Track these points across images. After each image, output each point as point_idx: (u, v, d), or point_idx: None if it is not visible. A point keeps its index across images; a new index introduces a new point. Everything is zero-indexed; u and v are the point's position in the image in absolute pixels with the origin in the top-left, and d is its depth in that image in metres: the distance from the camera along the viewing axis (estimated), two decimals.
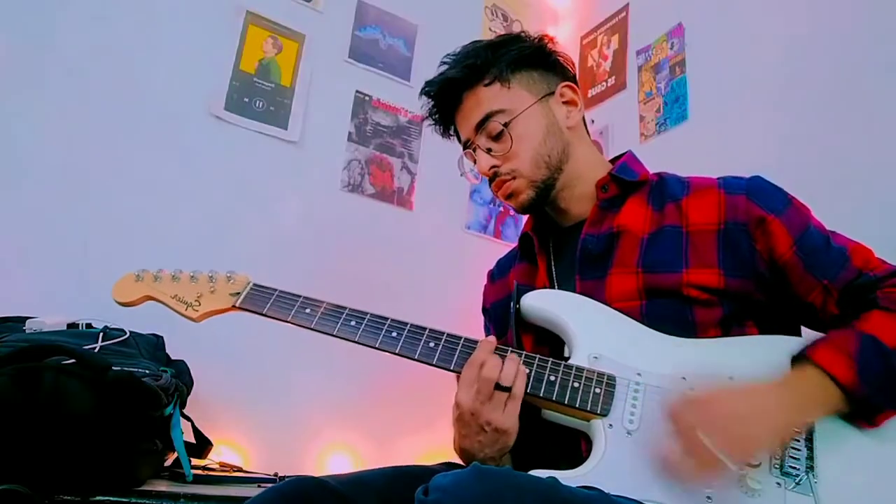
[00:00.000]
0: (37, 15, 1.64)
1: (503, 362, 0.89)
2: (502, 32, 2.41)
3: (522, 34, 1.12)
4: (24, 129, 1.58)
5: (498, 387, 0.87)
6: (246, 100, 1.88)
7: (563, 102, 1.09)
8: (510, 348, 0.92)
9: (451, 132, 1.17)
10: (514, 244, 1.23)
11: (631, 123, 2.07)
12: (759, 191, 0.97)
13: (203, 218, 1.74)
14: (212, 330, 1.56)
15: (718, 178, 1.01)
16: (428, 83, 1.12)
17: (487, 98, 1.05)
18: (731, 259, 0.94)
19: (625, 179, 1.05)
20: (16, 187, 1.54)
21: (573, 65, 1.16)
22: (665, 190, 1.04)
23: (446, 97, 1.10)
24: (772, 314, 0.97)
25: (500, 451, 0.89)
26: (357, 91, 2.08)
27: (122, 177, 1.67)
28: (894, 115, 1.40)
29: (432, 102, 1.13)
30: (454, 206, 2.19)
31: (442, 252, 2.10)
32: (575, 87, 1.11)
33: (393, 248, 2.02)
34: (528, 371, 0.90)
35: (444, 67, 1.10)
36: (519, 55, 1.08)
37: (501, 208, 2.27)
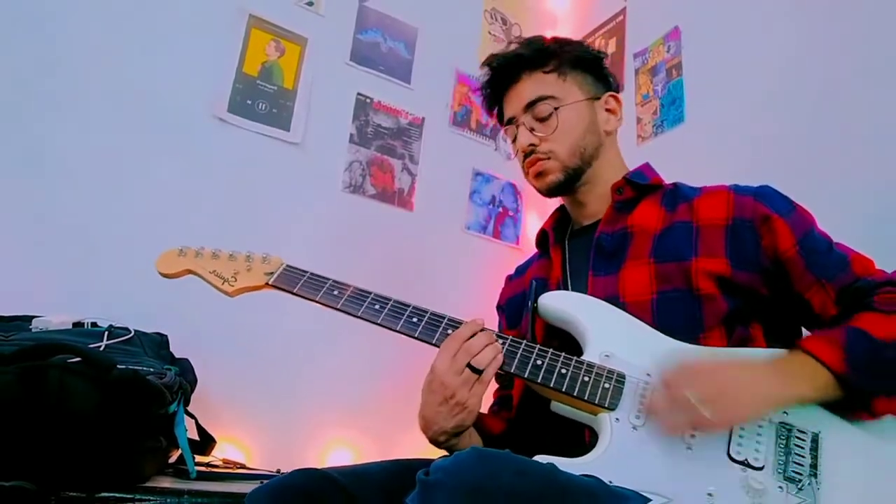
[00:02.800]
0: (44, 19, 1.64)
1: (484, 346, 0.91)
2: (501, 36, 2.43)
3: (585, 43, 1.21)
4: (30, 131, 1.58)
5: (470, 367, 0.90)
6: (249, 102, 1.88)
7: (606, 109, 1.15)
8: (509, 337, 0.95)
9: (494, 111, 1.21)
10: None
11: (628, 125, 2.06)
12: (766, 195, 1.01)
13: (206, 218, 1.74)
14: (216, 329, 1.57)
15: (730, 185, 1.05)
16: (494, 55, 1.17)
17: (544, 82, 1.11)
18: (738, 252, 0.96)
19: (638, 182, 1.10)
20: (23, 189, 1.55)
21: (620, 85, 1.25)
22: (678, 193, 1.08)
23: (506, 72, 1.15)
24: (776, 313, 0.98)
25: (456, 428, 0.92)
26: (358, 93, 2.08)
27: (128, 177, 1.67)
28: (889, 118, 1.40)
29: (490, 74, 1.17)
30: (454, 207, 2.19)
31: (442, 252, 2.10)
32: (619, 99, 1.17)
33: (394, 248, 2.02)
34: (512, 364, 0.92)
35: (513, 47, 1.16)
36: (580, 56, 1.15)
37: (501, 209, 2.27)
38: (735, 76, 1.77)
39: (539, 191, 1.14)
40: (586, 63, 1.15)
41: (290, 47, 1.98)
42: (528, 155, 1.11)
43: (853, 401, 0.84)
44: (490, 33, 2.42)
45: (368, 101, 2.09)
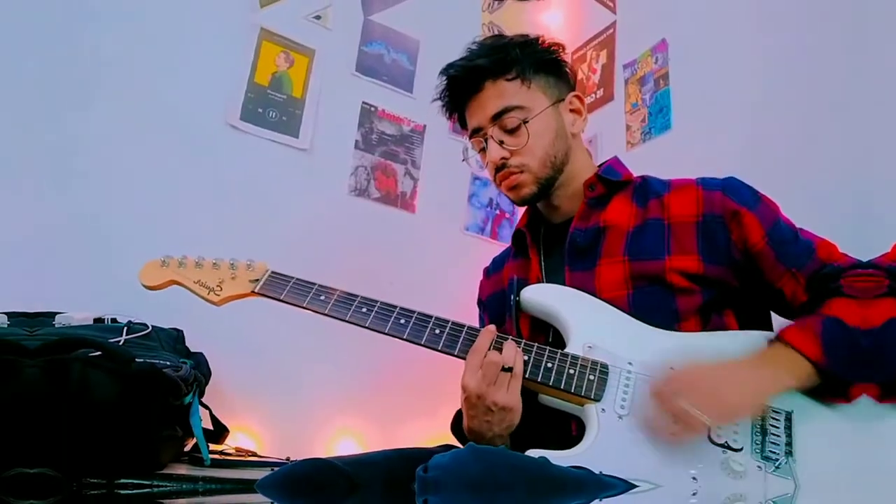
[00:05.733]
0: (69, 33, 1.64)
1: (502, 347, 0.90)
2: None
3: (540, 38, 1.12)
4: (53, 136, 1.58)
5: (501, 369, 0.88)
6: (260, 110, 1.88)
7: (571, 110, 1.11)
8: (509, 336, 0.93)
9: (454, 117, 1.15)
10: (509, 244, 1.24)
11: (618, 132, 2.08)
12: (733, 188, 1.00)
13: (219, 220, 1.75)
14: (229, 324, 1.57)
15: (696, 178, 1.04)
16: (453, 65, 1.10)
17: (509, 92, 1.05)
18: (709, 248, 0.96)
19: (610, 179, 1.07)
20: (45, 194, 1.55)
21: (576, 76, 1.18)
22: (648, 188, 1.06)
23: (467, 81, 1.08)
24: (748, 302, 0.99)
25: (508, 429, 0.90)
26: (363, 102, 2.08)
27: (145, 182, 1.67)
28: (869, 124, 1.40)
29: (448, 82, 1.11)
30: (454, 209, 2.19)
31: (442, 252, 2.10)
32: (582, 97, 1.12)
33: (396, 248, 2.02)
34: (525, 358, 0.91)
35: (471, 53, 1.10)
36: (541, 58, 1.09)
37: (498, 211, 2.28)
38: (719, 86, 1.77)
39: (513, 202, 1.11)
40: (548, 64, 1.09)
41: (298, 58, 1.98)
42: (500, 168, 1.05)
43: (831, 388, 0.84)
44: None
45: (373, 109, 2.10)
